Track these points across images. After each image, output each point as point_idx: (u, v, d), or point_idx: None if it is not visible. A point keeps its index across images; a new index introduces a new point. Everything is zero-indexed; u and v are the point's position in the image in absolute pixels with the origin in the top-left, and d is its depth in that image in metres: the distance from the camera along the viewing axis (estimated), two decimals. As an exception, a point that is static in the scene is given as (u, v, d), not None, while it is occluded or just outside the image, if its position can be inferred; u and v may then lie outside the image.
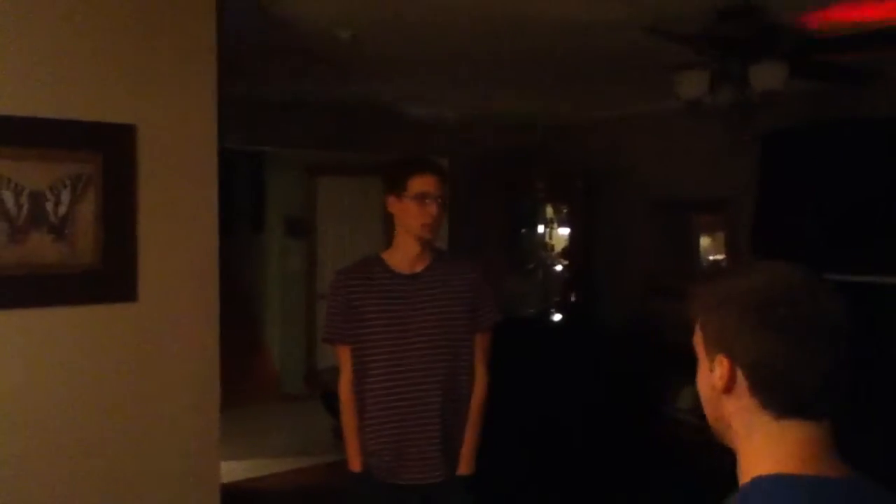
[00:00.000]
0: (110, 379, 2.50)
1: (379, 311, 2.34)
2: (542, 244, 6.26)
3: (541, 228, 6.29)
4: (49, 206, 2.38)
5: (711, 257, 5.53)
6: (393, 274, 2.37)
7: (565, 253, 6.19)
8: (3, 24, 2.30)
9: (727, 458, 1.04)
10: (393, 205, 2.37)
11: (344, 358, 2.42)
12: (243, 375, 6.41)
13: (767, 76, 3.09)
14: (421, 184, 2.31)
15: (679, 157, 5.47)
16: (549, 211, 6.25)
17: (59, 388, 2.42)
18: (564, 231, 6.23)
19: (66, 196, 2.40)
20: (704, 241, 5.59)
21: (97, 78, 2.45)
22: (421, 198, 2.30)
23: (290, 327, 6.78)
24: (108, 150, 2.47)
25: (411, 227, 2.34)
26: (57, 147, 2.39)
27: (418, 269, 2.36)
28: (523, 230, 6.37)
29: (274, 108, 5.27)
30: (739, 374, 0.97)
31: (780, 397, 0.95)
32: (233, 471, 4.35)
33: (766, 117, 3.63)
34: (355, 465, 2.39)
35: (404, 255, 2.39)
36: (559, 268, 6.22)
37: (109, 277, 2.47)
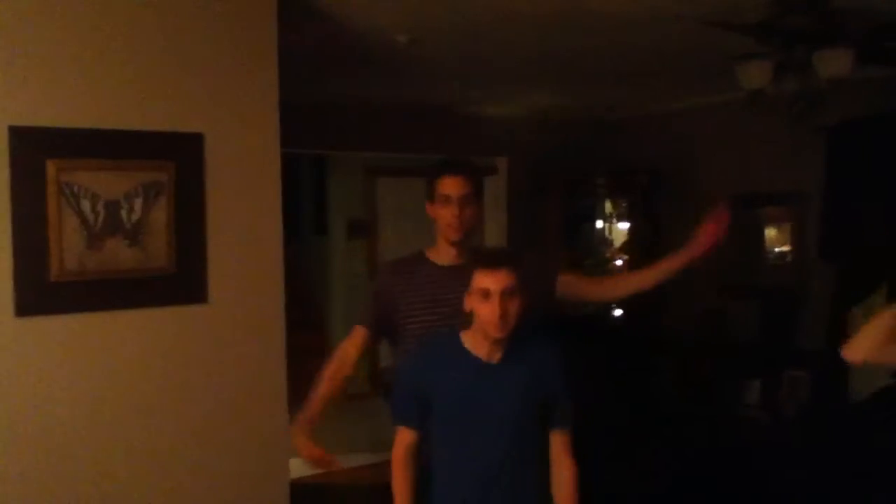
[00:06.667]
0: (182, 377, 2.61)
1: (416, 297, 2.38)
2: (602, 239, 6.20)
3: (600, 223, 6.22)
4: (123, 213, 2.49)
5: (777, 249, 5.40)
6: (434, 266, 2.42)
7: (625, 248, 6.12)
8: (80, 43, 2.42)
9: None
10: (430, 210, 2.44)
11: (356, 336, 2.50)
12: (310, 378, 6.53)
13: (832, 63, 3.01)
14: (443, 186, 2.37)
15: (745, 151, 5.36)
16: (609, 206, 6.19)
17: (134, 386, 2.53)
18: (624, 226, 6.16)
19: (139, 203, 2.51)
20: (770, 233, 5.45)
21: (167, 89, 2.55)
22: (444, 200, 2.36)
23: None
24: (179, 158, 2.57)
25: (440, 228, 2.40)
26: (131, 157, 2.50)
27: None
28: (582, 226, 6.32)
29: (335, 112, 5.36)
30: None
31: None
32: (300, 466, 4.44)
33: (834, 108, 3.53)
34: None
35: (443, 256, 2.44)
36: (619, 262, 6.15)
37: (181, 280, 2.57)
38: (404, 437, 2.17)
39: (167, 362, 2.57)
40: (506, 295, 2.00)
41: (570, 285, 2.49)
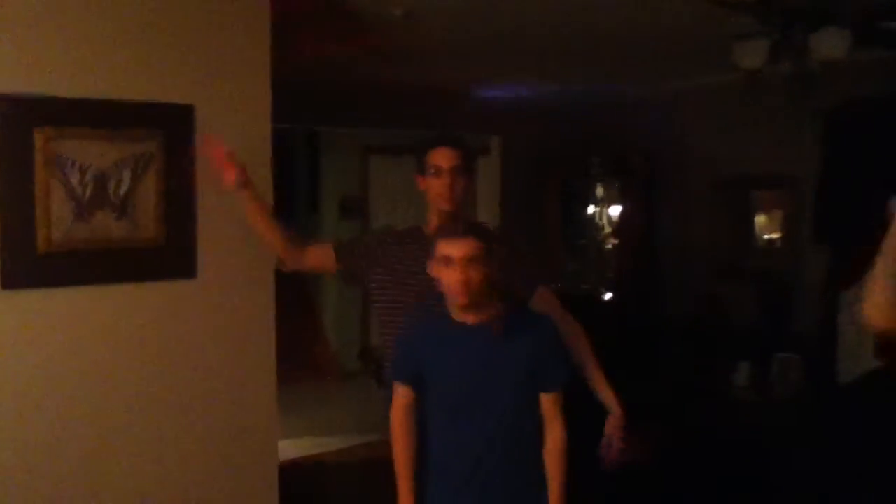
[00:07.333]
0: (171, 351, 2.59)
1: (403, 259, 2.40)
2: (593, 223, 6.20)
3: (591, 208, 6.21)
4: (112, 185, 2.46)
5: (767, 235, 5.41)
6: (426, 236, 2.42)
7: (615, 231, 6.11)
8: (67, 10, 2.38)
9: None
10: (420, 183, 2.44)
11: (320, 249, 2.57)
12: (302, 358, 6.54)
13: (829, 44, 2.99)
14: (434, 157, 2.38)
15: (739, 134, 5.34)
16: (601, 190, 6.18)
17: (122, 360, 2.51)
18: (616, 210, 6.15)
19: (127, 175, 2.48)
20: (760, 219, 5.45)
21: (156, 59, 2.51)
22: (436, 171, 2.37)
23: (344, 306, 6.88)
24: (168, 129, 2.53)
25: (432, 200, 2.41)
26: (120, 127, 2.46)
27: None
28: (576, 208, 6.31)
29: (328, 88, 5.31)
30: None
31: None
32: (290, 448, 4.46)
33: (830, 90, 3.51)
34: None
35: (433, 228, 2.43)
36: (610, 246, 6.15)
37: (170, 254, 2.54)
38: (402, 396, 2.19)
39: (156, 336, 2.55)
40: (468, 262, 2.03)
41: (544, 303, 2.45)
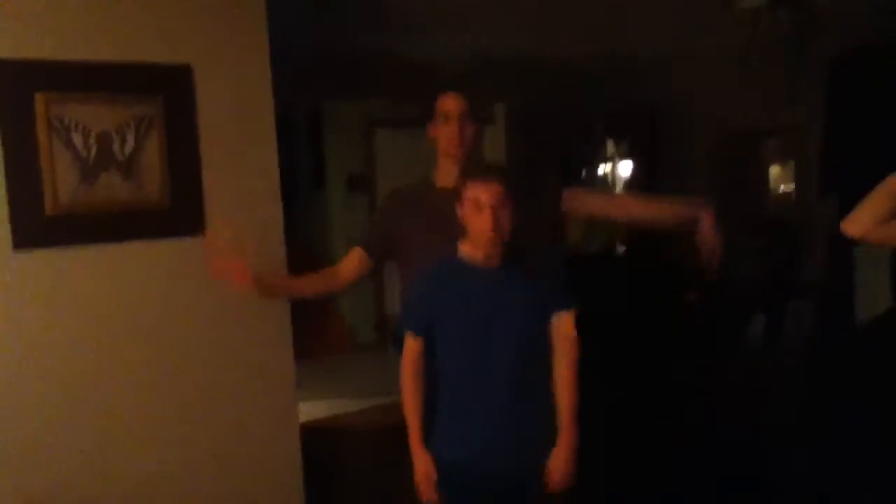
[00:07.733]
0: (183, 309, 2.60)
1: (419, 219, 2.39)
2: (603, 181, 6.18)
3: (601, 167, 6.19)
4: (116, 146, 2.47)
5: (783, 187, 5.38)
6: (437, 188, 2.43)
7: (627, 188, 6.10)
8: (62, -28, 2.37)
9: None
10: (430, 131, 2.44)
11: (352, 258, 2.53)
12: (315, 332, 6.56)
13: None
14: (443, 104, 2.37)
15: (746, 86, 5.29)
16: (611, 147, 6.15)
17: (134, 318, 2.52)
18: (626, 168, 6.12)
19: (131, 136, 2.49)
20: (774, 171, 5.42)
21: (153, 18, 2.51)
22: (445, 117, 2.36)
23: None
24: (168, 90, 2.54)
25: (441, 147, 2.41)
26: (120, 90, 2.47)
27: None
28: (583, 169, 6.30)
29: (328, 62, 5.29)
30: None
31: None
32: (310, 412, 4.48)
33: (835, 38, 3.47)
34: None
35: (444, 178, 2.43)
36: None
37: (176, 212, 2.55)
38: (413, 346, 2.18)
39: (167, 294, 2.57)
40: (498, 206, 2.02)
41: (577, 199, 2.47)
